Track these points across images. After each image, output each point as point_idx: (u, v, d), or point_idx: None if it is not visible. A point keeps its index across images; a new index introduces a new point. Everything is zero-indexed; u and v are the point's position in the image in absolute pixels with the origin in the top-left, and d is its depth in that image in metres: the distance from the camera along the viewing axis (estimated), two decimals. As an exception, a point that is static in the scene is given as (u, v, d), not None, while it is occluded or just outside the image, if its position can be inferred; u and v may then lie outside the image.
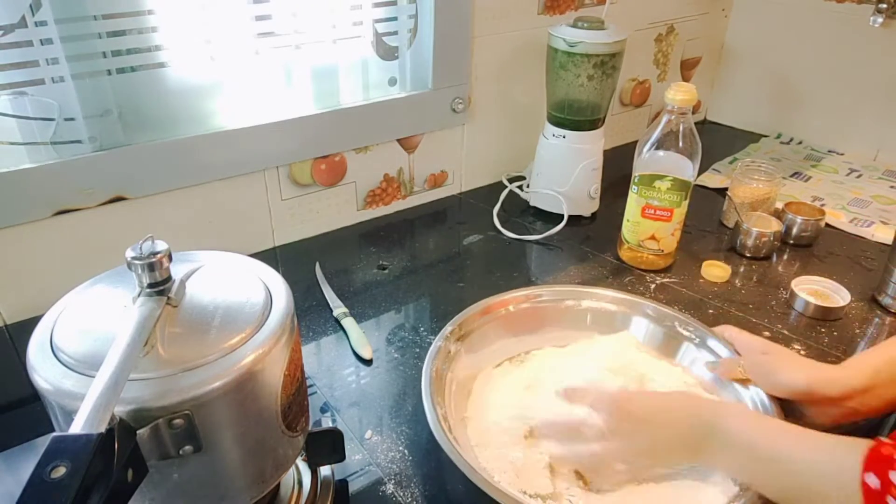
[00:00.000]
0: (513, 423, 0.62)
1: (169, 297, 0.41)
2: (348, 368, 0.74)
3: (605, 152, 1.06)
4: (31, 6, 0.69)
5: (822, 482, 0.46)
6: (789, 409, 0.61)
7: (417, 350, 0.77)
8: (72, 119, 0.76)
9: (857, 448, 0.45)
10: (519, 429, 0.61)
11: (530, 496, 0.55)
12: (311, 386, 0.71)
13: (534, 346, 0.74)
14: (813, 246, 1.01)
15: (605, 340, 0.72)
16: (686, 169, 0.85)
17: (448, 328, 0.68)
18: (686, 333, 0.71)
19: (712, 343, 0.69)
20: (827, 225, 1.03)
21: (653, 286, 0.90)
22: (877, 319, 0.84)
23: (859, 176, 1.26)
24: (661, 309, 0.74)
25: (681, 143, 0.84)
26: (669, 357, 0.71)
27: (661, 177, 0.86)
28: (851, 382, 0.58)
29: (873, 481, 0.42)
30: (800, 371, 0.60)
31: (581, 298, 0.76)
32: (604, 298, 0.76)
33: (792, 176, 1.26)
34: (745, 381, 0.64)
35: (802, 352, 0.77)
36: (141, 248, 0.40)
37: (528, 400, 0.64)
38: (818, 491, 0.47)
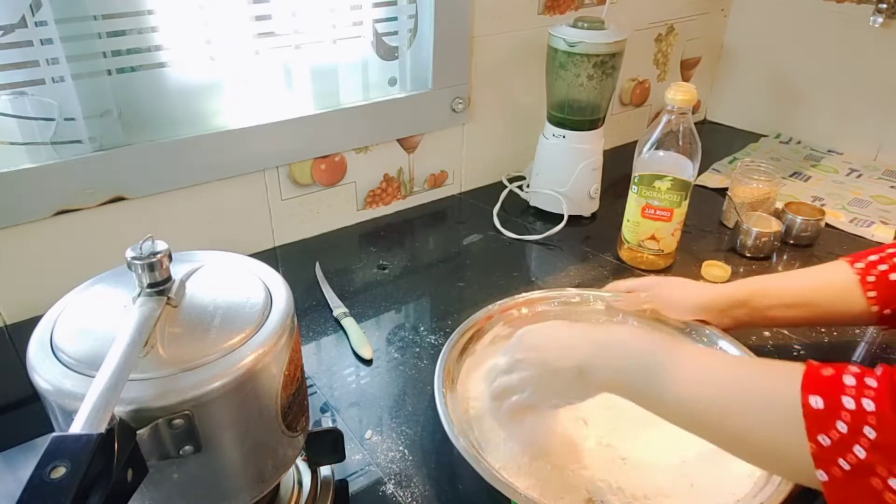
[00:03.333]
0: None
1: (169, 297, 0.41)
2: (348, 368, 0.74)
3: (605, 152, 1.06)
4: (31, 6, 0.69)
5: (762, 403, 0.44)
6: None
7: (417, 350, 0.77)
8: (72, 119, 0.76)
9: (794, 371, 0.43)
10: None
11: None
12: (311, 386, 0.71)
13: None
14: (813, 246, 1.01)
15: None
16: (686, 169, 0.85)
17: (458, 332, 0.69)
18: (693, 334, 0.72)
19: (723, 344, 0.70)
20: (827, 225, 1.03)
21: (653, 286, 0.90)
22: (877, 319, 0.84)
23: (859, 176, 1.26)
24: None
25: (681, 143, 0.84)
26: None
27: (661, 177, 0.86)
28: (734, 296, 0.71)
29: (817, 402, 0.41)
30: (694, 292, 0.73)
31: (595, 303, 0.77)
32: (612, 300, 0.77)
33: (792, 176, 1.26)
34: (648, 311, 0.74)
35: (803, 352, 0.77)
36: (141, 248, 0.40)
37: None
38: (757, 411, 0.44)
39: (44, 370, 0.38)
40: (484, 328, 0.72)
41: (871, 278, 0.66)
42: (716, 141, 1.42)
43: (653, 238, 0.91)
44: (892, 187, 1.21)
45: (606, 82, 0.99)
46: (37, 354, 0.39)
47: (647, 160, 0.87)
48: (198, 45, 0.82)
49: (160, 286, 0.41)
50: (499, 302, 0.74)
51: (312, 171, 0.97)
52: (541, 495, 0.55)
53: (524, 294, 0.76)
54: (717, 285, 0.75)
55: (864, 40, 1.26)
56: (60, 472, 0.30)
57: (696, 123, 0.86)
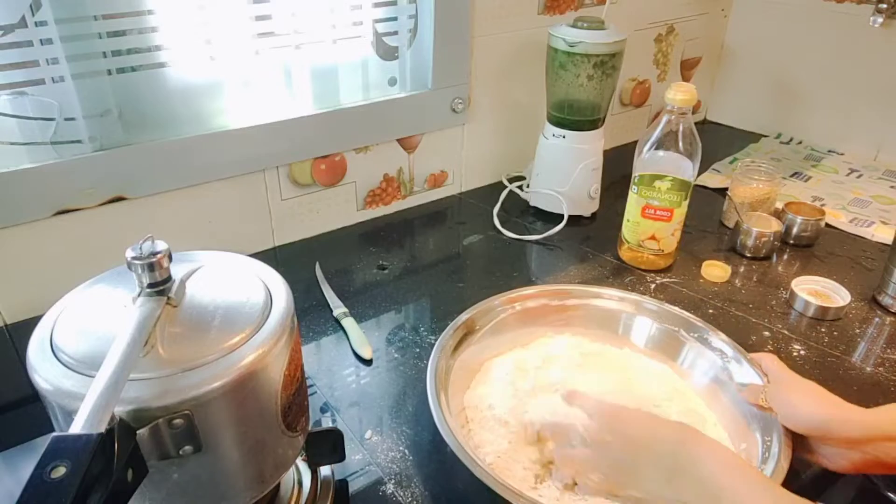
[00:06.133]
0: (510, 418, 0.62)
1: (169, 297, 0.41)
2: (348, 368, 0.74)
3: (605, 152, 1.06)
4: (31, 6, 0.69)
5: None
6: (809, 448, 0.57)
7: (417, 350, 0.77)
8: (72, 119, 0.76)
9: None
10: (516, 426, 0.61)
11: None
12: (311, 386, 0.71)
13: (539, 343, 0.74)
14: (813, 246, 1.01)
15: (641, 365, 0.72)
16: (686, 169, 0.85)
17: (453, 325, 0.69)
18: (691, 336, 0.71)
19: (716, 342, 0.69)
20: (827, 225, 1.03)
21: (653, 286, 0.89)
22: (877, 319, 0.84)
23: (859, 176, 1.26)
24: (679, 312, 0.73)
25: (681, 143, 0.84)
26: (671, 360, 0.71)
27: (661, 177, 0.86)
28: (876, 426, 0.52)
29: None
30: (819, 406, 0.56)
31: (589, 298, 0.76)
32: (612, 298, 0.76)
33: (792, 176, 1.26)
34: (767, 409, 0.60)
35: (803, 352, 0.77)
36: (141, 248, 0.40)
37: (529, 399, 0.64)
38: None
39: (44, 370, 0.38)
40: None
41: None
42: (716, 141, 1.42)
43: (653, 238, 0.91)
44: (892, 187, 1.21)
45: (606, 82, 0.99)
46: (37, 354, 0.39)
47: (647, 160, 0.87)
48: (198, 45, 0.82)
49: (160, 286, 0.41)
50: (495, 296, 0.73)
51: (312, 171, 0.97)
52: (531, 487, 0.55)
53: (522, 289, 0.75)
54: (855, 409, 0.55)
55: (864, 40, 1.26)
56: (60, 471, 0.30)
57: (696, 123, 0.86)
